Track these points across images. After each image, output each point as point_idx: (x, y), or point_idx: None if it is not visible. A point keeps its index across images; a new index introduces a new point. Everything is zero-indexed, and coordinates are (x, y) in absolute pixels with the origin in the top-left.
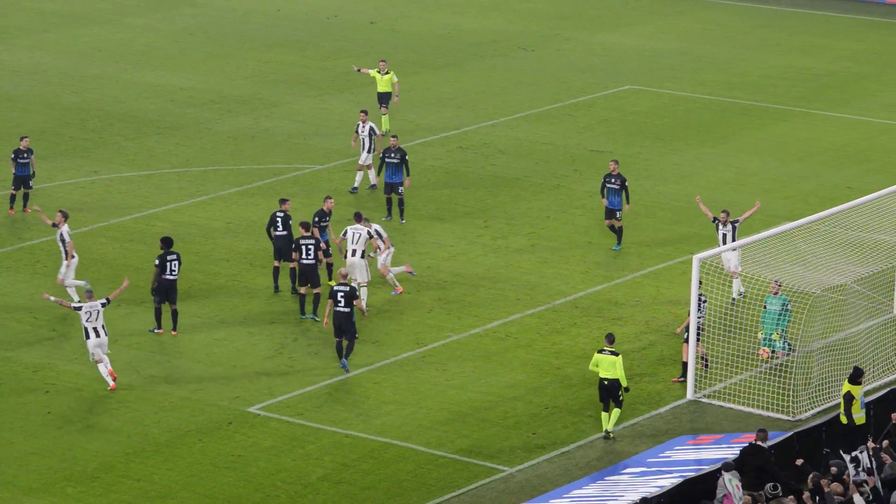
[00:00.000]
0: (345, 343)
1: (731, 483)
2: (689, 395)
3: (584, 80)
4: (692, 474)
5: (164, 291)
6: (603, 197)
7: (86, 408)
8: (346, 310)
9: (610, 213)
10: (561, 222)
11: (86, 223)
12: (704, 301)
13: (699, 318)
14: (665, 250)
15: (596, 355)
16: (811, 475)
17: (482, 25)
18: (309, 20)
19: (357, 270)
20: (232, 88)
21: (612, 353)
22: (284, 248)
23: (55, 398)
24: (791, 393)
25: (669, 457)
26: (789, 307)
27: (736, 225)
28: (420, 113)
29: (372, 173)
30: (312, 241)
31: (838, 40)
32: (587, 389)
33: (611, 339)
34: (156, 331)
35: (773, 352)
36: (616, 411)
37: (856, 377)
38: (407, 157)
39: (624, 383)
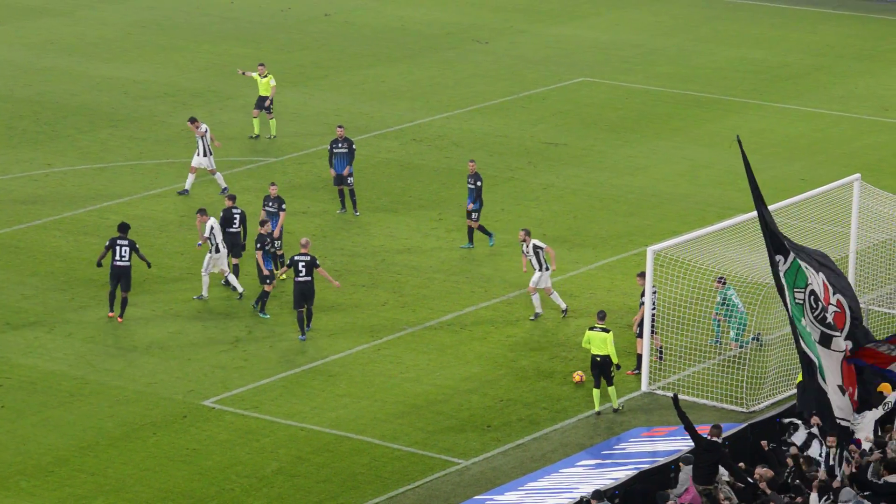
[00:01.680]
0: (305, 312)
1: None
2: (644, 387)
3: (538, 73)
4: (647, 466)
5: (116, 277)
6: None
7: (40, 401)
8: (308, 278)
9: None
10: (515, 215)
11: (39, 216)
12: (655, 292)
13: (652, 311)
14: (619, 242)
15: (587, 332)
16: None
17: (436, 18)
18: (263, 13)
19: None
20: (186, 81)
21: (603, 329)
22: (236, 244)
23: (9, 392)
24: (745, 385)
25: (624, 449)
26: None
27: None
28: (374, 106)
29: (219, 176)
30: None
31: (791, 32)
32: (541, 382)
33: (602, 315)
34: (109, 314)
35: (741, 346)
36: (611, 389)
37: None
38: (354, 148)
39: (615, 360)
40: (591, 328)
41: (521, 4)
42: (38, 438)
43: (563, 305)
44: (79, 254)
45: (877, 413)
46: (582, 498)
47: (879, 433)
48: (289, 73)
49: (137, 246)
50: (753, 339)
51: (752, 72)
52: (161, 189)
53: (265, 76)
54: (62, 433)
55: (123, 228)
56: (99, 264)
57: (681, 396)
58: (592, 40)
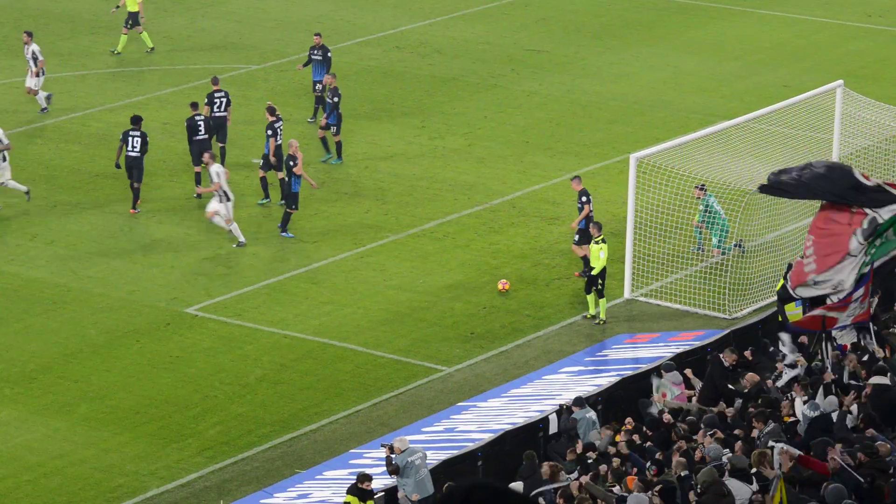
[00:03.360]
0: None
1: (665, 385)
2: (626, 294)
3: None
4: (629, 373)
5: (128, 168)
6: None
7: (22, 309)
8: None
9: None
10: (498, 122)
11: (20, 124)
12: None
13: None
14: (602, 150)
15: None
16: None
17: None
18: None
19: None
20: None
21: (596, 241)
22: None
23: None
24: (727, 292)
25: (606, 356)
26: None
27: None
28: (356, 13)
29: (41, 96)
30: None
31: None
32: (525, 289)
33: (598, 227)
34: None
35: (723, 252)
36: (601, 301)
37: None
38: (329, 56)
39: (596, 270)
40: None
41: None
42: (21, 346)
43: (242, 239)
44: (61, 161)
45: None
46: (562, 405)
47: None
48: None
49: (147, 139)
50: (735, 245)
51: None
52: (143, 96)
53: None
54: (45, 340)
55: (136, 120)
56: (117, 165)
57: (663, 304)
58: None
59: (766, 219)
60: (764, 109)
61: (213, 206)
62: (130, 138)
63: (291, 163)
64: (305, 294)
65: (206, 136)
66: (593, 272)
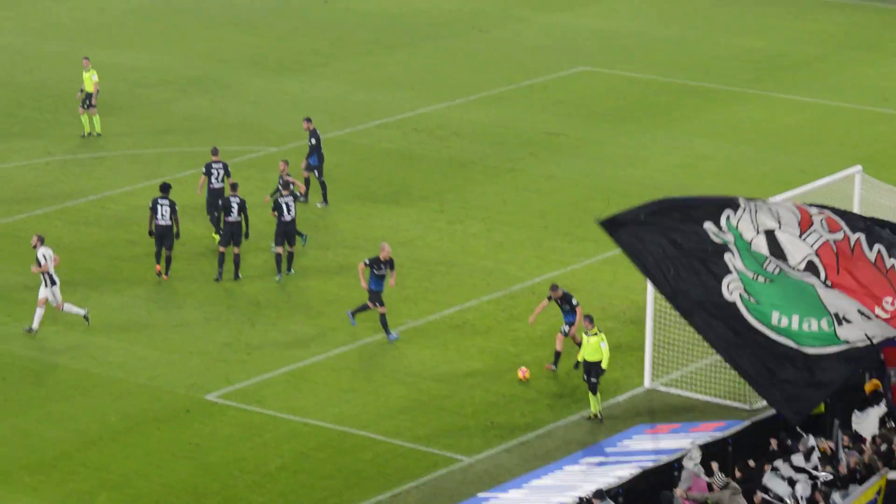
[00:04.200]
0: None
1: (696, 468)
2: (647, 383)
3: (538, 62)
4: (651, 464)
5: (159, 237)
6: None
7: (43, 395)
8: (168, 223)
9: None
10: (517, 206)
11: (40, 206)
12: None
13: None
14: None
15: (583, 337)
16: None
17: (436, 5)
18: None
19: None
20: (186, 68)
21: (595, 334)
22: (236, 233)
23: (11, 385)
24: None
25: (627, 446)
26: None
27: None
28: (374, 94)
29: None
30: (292, 199)
31: (791, 21)
32: (545, 377)
33: (591, 319)
34: (157, 273)
35: None
36: (596, 397)
37: None
38: (314, 142)
39: (605, 365)
40: (584, 333)
41: None
42: (40, 432)
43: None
44: (80, 244)
45: (880, 409)
46: (583, 497)
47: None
48: (288, 61)
49: (176, 207)
50: None
51: (752, 61)
52: (161, 178)
53: (88, 70)
54: (65, 427)
55: (165, 188)
56: (151, 233)
57: (683, 393)
58: (592, 28)
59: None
60: (782, 195)
61: (42, 292)
62: (160, 206)
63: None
64: (325, 381)
65: (240, 217)
66: (603, 365)
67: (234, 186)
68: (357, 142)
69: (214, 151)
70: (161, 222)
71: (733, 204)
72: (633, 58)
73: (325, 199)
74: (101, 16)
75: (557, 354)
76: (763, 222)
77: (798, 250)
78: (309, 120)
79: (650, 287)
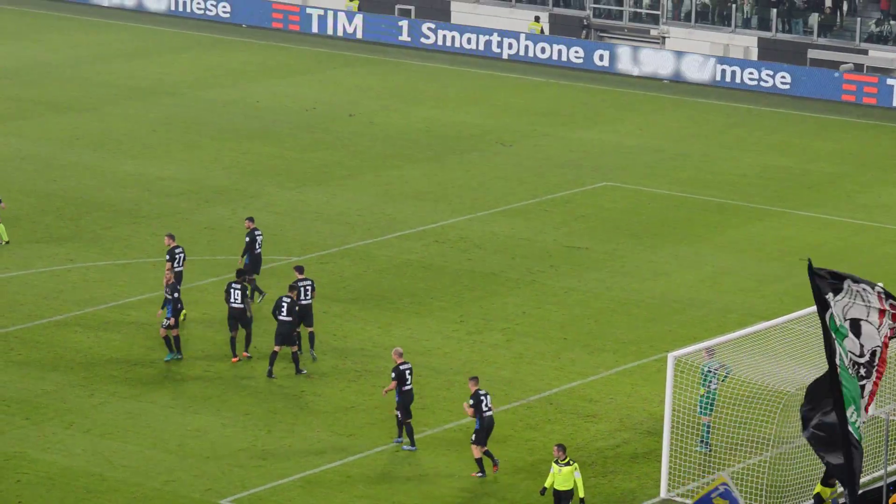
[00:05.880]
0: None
1: None
2: (663, 493)
3: (561, 176)
4: None
5: (233, 320)
6: None
7: (58, 498)
8: (241, 306)
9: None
10: (536, 318)
11: (61, 311)
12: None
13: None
14: (640, 348)
15: (553, 466)
16: None
17: (460, 120)
18: (288, 111)
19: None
20: (209, 178)
21: (567, 463)
22: (287, 333)
23: (27, 488)
24: (764, 493)
25: None
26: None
27: None
28: (397, 207)
29: None
30: (310, 282)
31: (814, 140)
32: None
33: (563, 448)
34: (232, 359)
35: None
36: None
37: (827, 478)
38: (248, 239)
39: (581, 494)
40: (556, 462)
41: (545, 108)
42: None
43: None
44: (99, 350)
45: None
46: None
47: None
48: (312, 173)
49: (248, 291)
50: (702, 441)
51: (776, 179)
52: (183, 286)
53: None
54: None
55: (240, 273)
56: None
57: None
58: (616, 145)
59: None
60: (803, 311)
61: None
62: (232, 291)
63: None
64: (340, 488)
65: (290, 318)
66: (580, 494)
67: (291, 288)
68: (378, 252)
69: (300, 269)
70: (234, 305)
71: (836, 287)
72: (655, 174)
73: (254, 296)
74: (126, 126)
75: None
76: (855, 312)
77: (871, 341)
78: (251, 219)
79: (668, 398)
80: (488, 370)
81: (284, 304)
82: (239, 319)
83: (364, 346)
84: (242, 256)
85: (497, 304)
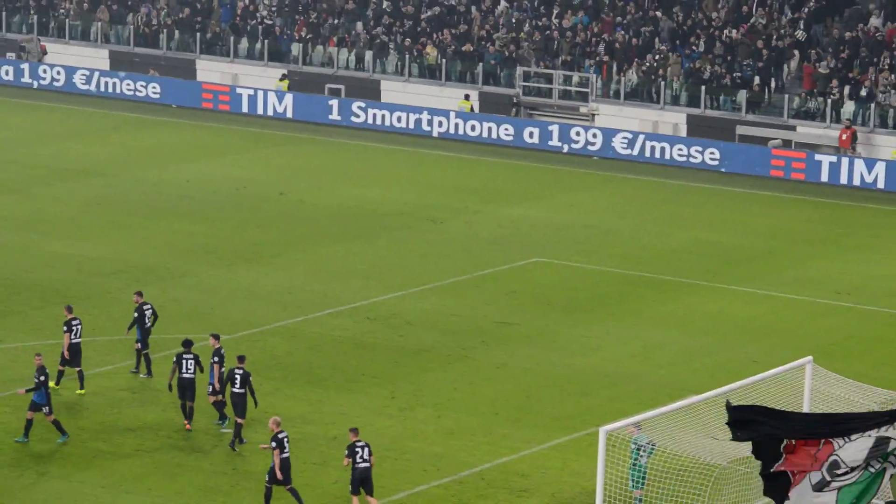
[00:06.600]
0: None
1: None
2: None
3: (492, 253)
4: None
5: (183, 389)
6: None
7: None
8: (192, 376)
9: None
10: (468, 393)
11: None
12: None
13: None
14: (571, 422)
15: None
16: None
17: (391, 197)
18: (218, 191)
19: None
20: (140, 258)
21: None
22: (241, 404)
23: None
24: None
25: None
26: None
27: None
28: (328, 284)
29: None
30: (193, 356)
31: (743, 215)
32: None
33: None
34: (186, 426)
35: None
36: None
37: None
38: (142, 313)
39: None
40: None
41: (475, 185)
42: None
43: None
44: (32, 430)
45: None
46: None
47: None
48: (243, 251)
49: (200, 359)
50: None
51: (706, 254)
52: (113, 366)
53: None
54: None
55: (187, 343)
56: (170, 387)
57: None
58: (546, 221)
59: (735, 493)
60: (733, 384)
61: None
62: (185, 361)
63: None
64: None
65: (243, 390)
66: None
67: (240, 359)
68: (309, 330)
69: (186, 343)
70: (186, 375)
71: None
72: (586, 249)
73: (146, 371)
74: (56, 207)
75: None
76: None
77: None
78: (139, 294)
79: (600, 473)
80: (419, 446)
81: (238, 376)
82: (189, 389)
83: (294, 423)
84: (129, 330)
85: (428, 380)
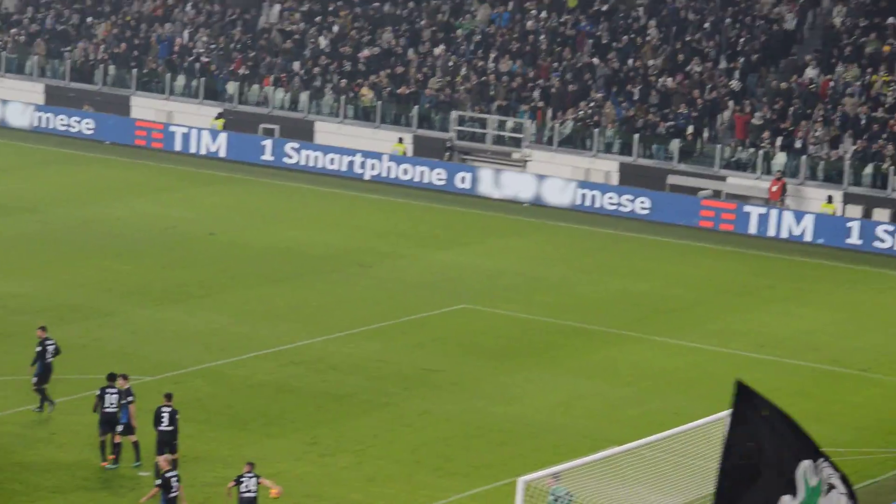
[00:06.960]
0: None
1: None
2: None
3: (419, 298)
4: None
5: (105, 424)
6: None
7: None
8: (115, 410)
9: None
10: (389, 440)
11: None
12: None
13: None
14: (492, 472)
15: None
16: None
17: (321, 240)
18: (149, 230)
19: None
20: (66, 296)
21: None
22: (170, 442)
23: None
24: None
25: None
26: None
27: None
28: (254, 326)
29: None
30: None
31: (672, 265)
32: None
33: None
34: (102, 463)
35: None
36: None
37: None
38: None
39: None
40: None
41: (405, 230)
42: None
43: None
44: None
45: None
46: None
47: None
48: (171, 291)
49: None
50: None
51: (634, 304)
52: (34, 406)
53: None
54: None
55: (111, 377)
56: (95, 409)
57: None
58: (475, 267)
59: None
60: (654, 436)
61: None
62: (107, 395)
63: None
64: None
65: (171, 426)
66: None
67: (168, 396)
68: (232, 373)
69: (111, 377)
70: (108, 409)
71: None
72: (514, 297)
73: (40, 406)
74: None
75: None
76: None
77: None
78: (43, 328)
79: None
80: (339, 492)
81: (165, 414)
82: (111, 424)
83: (213, 468)
84: (32, 365)
85: (350, 425)
